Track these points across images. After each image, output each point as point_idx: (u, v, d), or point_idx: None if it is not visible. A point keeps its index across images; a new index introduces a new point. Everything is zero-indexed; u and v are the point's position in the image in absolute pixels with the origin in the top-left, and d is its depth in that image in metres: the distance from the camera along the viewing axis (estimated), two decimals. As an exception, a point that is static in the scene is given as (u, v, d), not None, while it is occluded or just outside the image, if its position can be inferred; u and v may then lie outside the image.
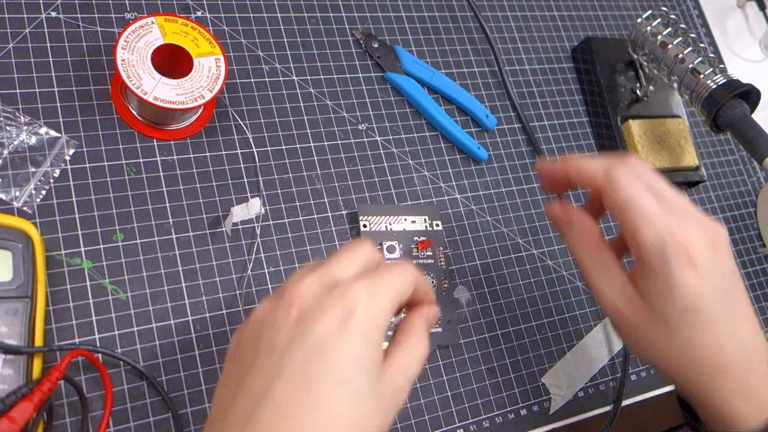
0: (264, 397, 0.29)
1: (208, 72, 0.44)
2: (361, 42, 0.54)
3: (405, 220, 0.50)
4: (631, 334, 0.39)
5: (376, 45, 0.53)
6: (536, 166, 0.49)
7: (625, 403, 0.52)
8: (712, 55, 0.55)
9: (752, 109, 0.53)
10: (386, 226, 0.49)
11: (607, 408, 0.51)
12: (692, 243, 0.36)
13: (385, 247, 0.48)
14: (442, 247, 0.50)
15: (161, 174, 0.45)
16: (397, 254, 0.48)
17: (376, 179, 0.51)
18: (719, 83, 0.53)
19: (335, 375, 0.29)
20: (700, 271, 0.36)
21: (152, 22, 0.44)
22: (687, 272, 0.36)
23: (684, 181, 0.61)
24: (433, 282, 0.48)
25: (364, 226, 0.48)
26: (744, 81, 0.53)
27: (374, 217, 0.49)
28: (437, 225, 0.50)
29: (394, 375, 0.32)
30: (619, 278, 0.39)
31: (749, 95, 0.53)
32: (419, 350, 0.34)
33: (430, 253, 0.49)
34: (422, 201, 0.52)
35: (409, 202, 0.51)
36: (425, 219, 0.50)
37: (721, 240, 0.38)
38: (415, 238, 0.49)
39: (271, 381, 0.29)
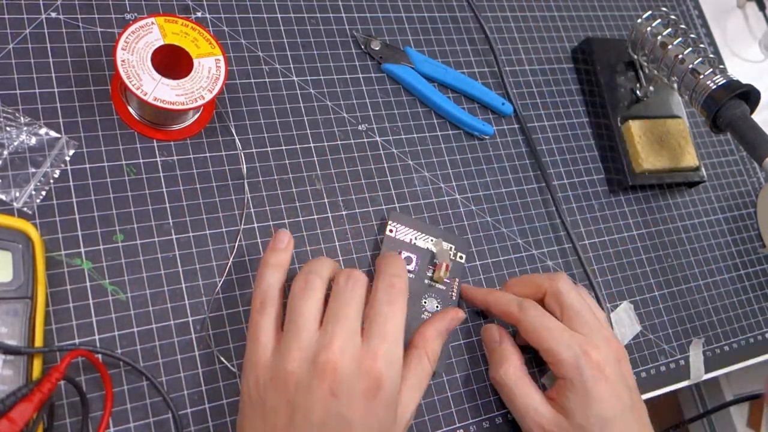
0: None
1: (208, 73, 0.44)
2: (361, 43, 0.54)
3: (432, 240, 0.49)
4: None
5: (377, 47, 0.53)
6: (461, 293, 0.49)
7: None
8: (712, 55, 0.55)
9: (752, 110, 0.53)
10: (411, 239, 0.49)
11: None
12: (602, 357, 0.42)
13: (402, 256, 0.48)
14: (459, 278, 0.49)
15: (161, 175, 0.45)
16: (412, 266, 0.48)
17: (376, 180, 0.51)
18: (719, 84, 0.53)
19: None
20: (610, 382, 0.42)
21: (152, 23, 0.44)
22: (600, 384, 0.41)
23: (684, 181, 0.61)
24: (438, 307, 0.48)
25: (390, 231, 0.48)
26: (744, 81, 0.53)
27: (403, 226, 0.49)
28: (461, 257, 0.50)
29: (405, 410, 0.39)
30: (541, 400, 0.44)
31: (749, 96, 0.53)
32: (425, 378, 0.41)
33: (447, 280, 0.49)
34: (453, 226, 0.52)
35: (442, 226, 0.51)
36: (452, 247, 0.50)
37: (624, 357, 0.44)
38: (435, 261, 0.49)
39: None
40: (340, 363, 0.36)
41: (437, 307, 0.48)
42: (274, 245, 0.42)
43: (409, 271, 0.48)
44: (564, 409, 0.42)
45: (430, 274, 0.48)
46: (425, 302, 0.47)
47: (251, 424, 0.37)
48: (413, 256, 0.48)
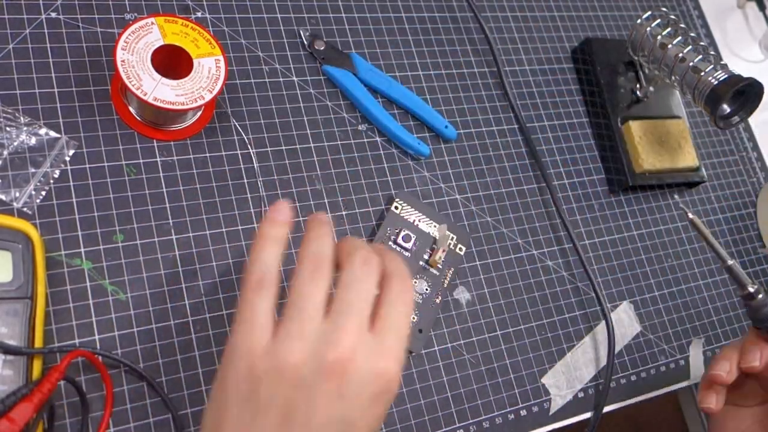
0: None
1: (208, 73, 0.44)
2: (306, 43, 0.52)
3: (435, 225, 0.50)
4: None
5: (321, 47, 0.52)
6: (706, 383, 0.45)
7: (612, 407, 0.52)
8: (712, 52, 0.55)
9: (756, 103, 0.53)
10: (414, 220, 0.49)
11: (607, 409, 0.51)
12: None
13: (401, 234, 0.48)
14: (454, 269, 0.50)
15: (161, 175, 0.45)
16: (410, 245, 0.48)
17: (376, 180, 0.51)
18: (720, 79, 0.53)
19: None
20: None
21: (152, 23, 0.44)
22: None
23: (684, 181, 0.61)
24: (427, 290, 0.48)
25: (396, 208, 0.49)
26: (744, 81, 0.53)
27: (409, 206, 0.50)
28: (461, 249, 0.50)
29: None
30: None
31: (752, 90, 0.53)
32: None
33: (440, 266, 0.49)
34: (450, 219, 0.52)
35: (444, 212, 0.52)
36: (454, 237, 0.50)
37: None
38: (433, 246, 0.49)
39: None
40: (353, 364, 0.31)
41: (426, 289, 0.48)
42: (273, 216, 0.36)
43: (407, 250, 0.48)
44: None
45: (426, 257, 0.49)
46: (415, 283, 0.48)
47: (236, 421, 0.31)
48: (413, 236, 0.49)
